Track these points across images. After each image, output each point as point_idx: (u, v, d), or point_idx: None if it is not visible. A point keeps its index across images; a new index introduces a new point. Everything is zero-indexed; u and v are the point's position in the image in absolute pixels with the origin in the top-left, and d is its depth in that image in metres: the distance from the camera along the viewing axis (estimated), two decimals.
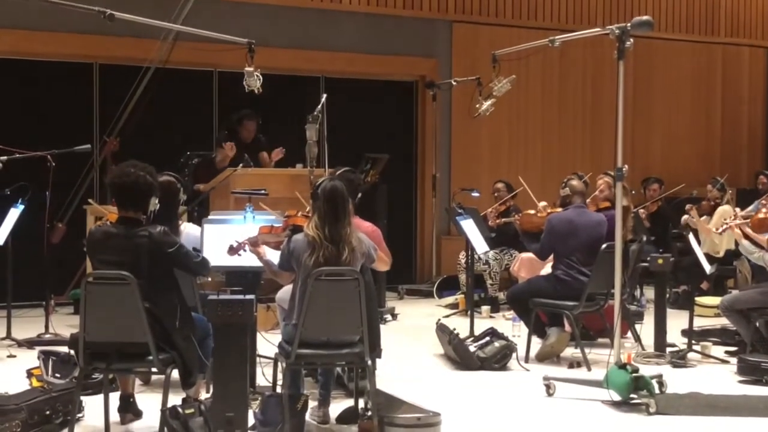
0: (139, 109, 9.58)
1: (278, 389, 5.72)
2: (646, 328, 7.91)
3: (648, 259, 7.85)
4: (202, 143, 10.21)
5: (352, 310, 5.10)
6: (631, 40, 5.96)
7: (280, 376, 5.64)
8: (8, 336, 7.78)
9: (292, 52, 11.18)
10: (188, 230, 6.11)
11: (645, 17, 6.05)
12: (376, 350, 5.60)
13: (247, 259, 5.71)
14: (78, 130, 9.85)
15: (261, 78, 7.83)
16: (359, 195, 6.26)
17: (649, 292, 9.08)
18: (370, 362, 5.27)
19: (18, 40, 9.89)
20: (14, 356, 7.35)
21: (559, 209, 7.76)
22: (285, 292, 5.96)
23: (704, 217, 9.99)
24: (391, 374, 6.54)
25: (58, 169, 8.07)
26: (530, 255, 8.41)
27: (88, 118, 10.39)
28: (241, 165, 8.69)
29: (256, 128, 9.64)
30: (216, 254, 5.80)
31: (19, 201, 7.81)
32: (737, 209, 7.51)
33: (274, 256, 5.55)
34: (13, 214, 7.79)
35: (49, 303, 8.24)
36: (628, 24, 5.97)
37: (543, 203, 8.39)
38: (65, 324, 8.39)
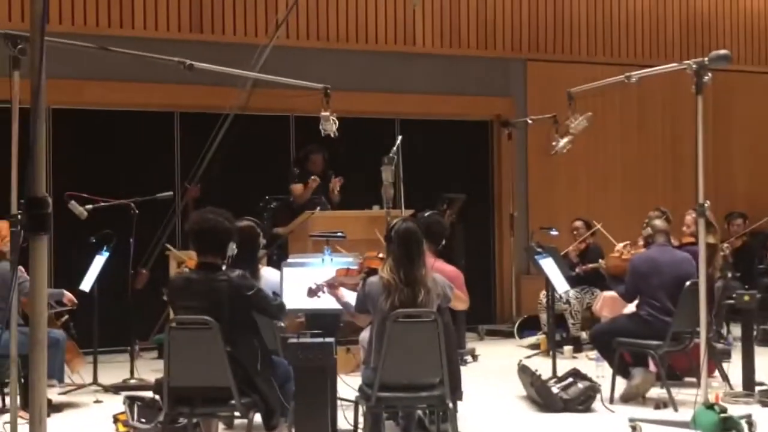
0: (218, 155, 9.74)
1: None
2: (734, 367, 7.72)
3: (734, 296, 7.69)
4: (280, 187, 10.33)
5: (431, 352, 5.09)
6: (709, 74, 5.88)
7: (361, 419, 5.63)
8: (94, 382, 7.91)
9: (367, 95, 11.27)
10: (267, 275, 6.17)
11: (723, 51, 5.96)
12: (457, 392, 5.56)
13: (325, 302, 5.74)
14: (160, 178, 10.06)
15: (337, 122, 7.91)
16: (443, 241, 6.28)
17: (736, 330, 8.87)
18: (451, 405, 5.24)
19: (103, 91, 10.15)
20: (100, 401, 7.46)
21: (642, 249, 7.65)
22: (369, 332, 5.97)
23: None
24: (473, 417, 6.49)
25: (141, 217, 8.24)
26: (613, 294, 8.30)
27: (169, 165, 10.61)
28: (318, 208, 8.76)
29: (323, 162, 9.75)
30: (295, 297, 5.84)
31: (104, 248, 7.99)
32: None
33: (352, 297, 5.58)
34: (99, 261, 7.97)
35: (133, 348, 8.37)
36: (706, 58, 5.89)
37: (621, 244, 8.30)
38: (150, 369, 8.51)
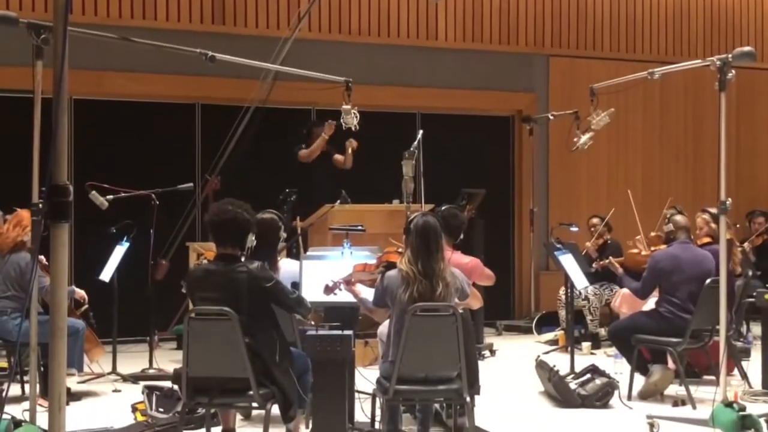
0: (239, 147, 9.77)
1: (377, 425, 5.73)
2: (753, 365, 7.68)
3: (754, 294, 7.64)
4: (301, 180, 10.34)
5: (449, 346, 5.09)
6: (733, 71, 5.85)
7: (378, 412, 5.64)
8: (113, 371, 7.96)
9: (389, 89, 11.28)
10: (285, 266, 6.18)
11: (747, 48, 5.94)
12: (474, 387, 5.56)
13: (344, 295, 5.74)
14: (181, 169, 10.09)
15: (358, 115, 7.92)
16: (461, 235, 6.28)
17: (756, 329, 8.81)
18: (468, 399, 5.24)
19: (125, 82, 10.21)
20: (119, 391, 7.51)
21: (663, 246, 7.61)
22: (387, 326, 5.97)
23: None
24: (490, 411, 6.49)
25: (162, 208, 8.28)
26: None
27: (190, 157, 10.65)
28: (338, 201, 8.77)
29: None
30: (314, 290, 5.85)
31: (125, 239, 8.03)
32: None
33: (368, 293, 5.58)
34: (119, 251, 8.01)
35: (153, 338, 8.41)
36: (730, 55, 5.86)
37: (637, 236, 8.29)
38: (168, 359, 8.56)
